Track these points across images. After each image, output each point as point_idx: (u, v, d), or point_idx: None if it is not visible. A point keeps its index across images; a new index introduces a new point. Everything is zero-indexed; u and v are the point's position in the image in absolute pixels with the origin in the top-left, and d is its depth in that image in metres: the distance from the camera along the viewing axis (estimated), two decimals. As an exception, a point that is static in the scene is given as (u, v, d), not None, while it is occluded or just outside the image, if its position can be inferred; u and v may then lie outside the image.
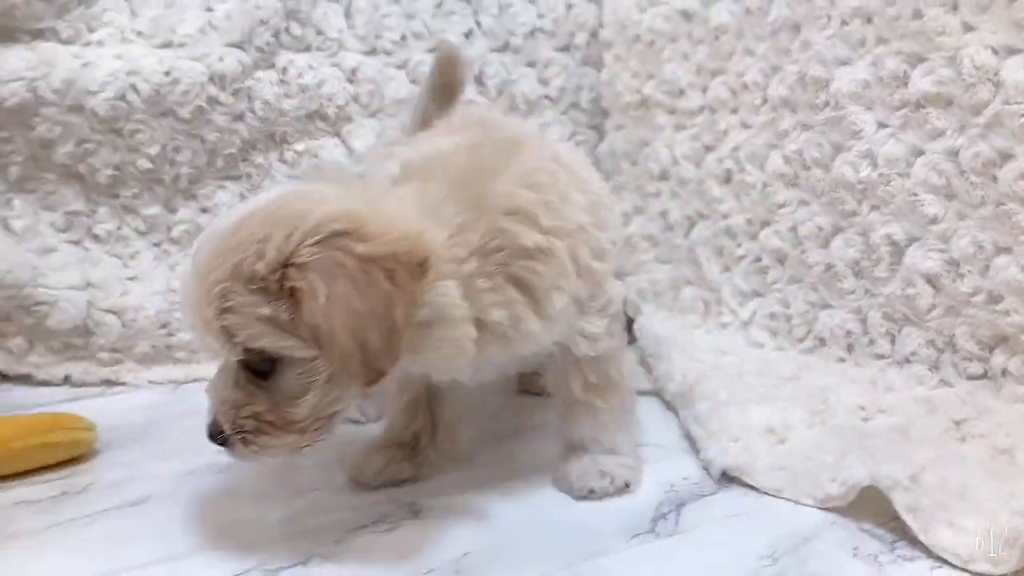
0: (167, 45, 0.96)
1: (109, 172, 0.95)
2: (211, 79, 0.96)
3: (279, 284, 0.56)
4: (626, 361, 0.75)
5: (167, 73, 0.94)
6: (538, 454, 0.76)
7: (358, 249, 0.56)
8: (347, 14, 1.05)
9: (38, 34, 0.92)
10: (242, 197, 1.01)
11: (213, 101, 0.96)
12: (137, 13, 0.95)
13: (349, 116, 1.05)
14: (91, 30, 0.94)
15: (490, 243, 0.62)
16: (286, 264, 0.56)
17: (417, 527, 0.64)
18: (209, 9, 0.97)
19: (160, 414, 0.86)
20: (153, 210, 0.98)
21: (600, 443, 0.71)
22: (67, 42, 0.93)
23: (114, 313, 0.94)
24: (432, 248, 0.59)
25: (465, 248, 0.61)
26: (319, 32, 1.03)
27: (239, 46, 0.98)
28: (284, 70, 1.01)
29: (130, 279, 0.97)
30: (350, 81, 1.05)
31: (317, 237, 0.56)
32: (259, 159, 1.02)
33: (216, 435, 0.61)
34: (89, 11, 0.94)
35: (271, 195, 0.61)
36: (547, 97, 1.14)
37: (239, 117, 0.99)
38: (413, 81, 1.06)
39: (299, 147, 1.03)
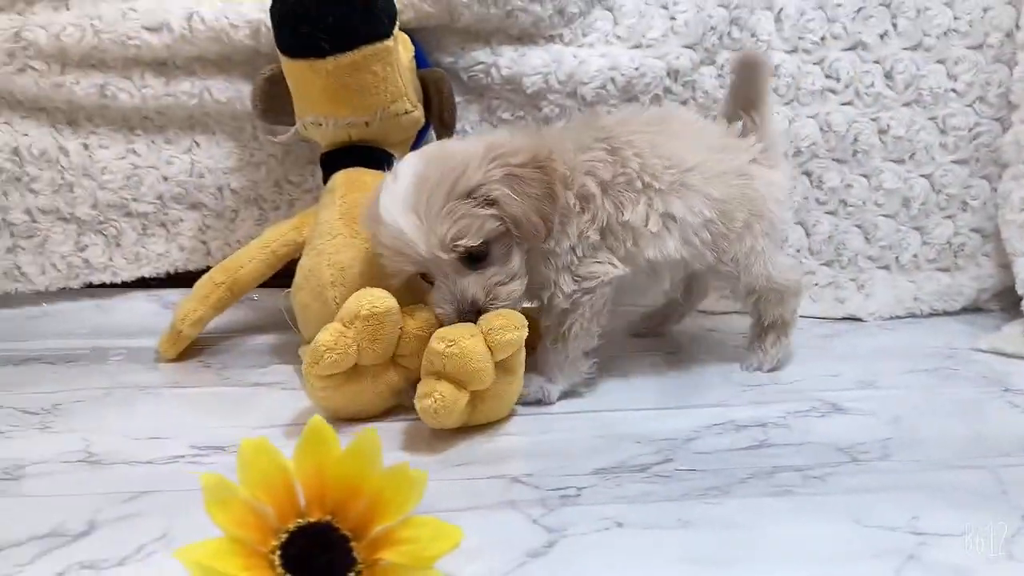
0: (638, 46, 1.25)
1: (584, 141, 1.29)
2: (668, 73, 1.24)
3: (483, 195, 0.84)
4: None
5: (637, 68, 1.23)
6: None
7: (516, 160, 0.86)
8: (777, 19, 1.27)
9: (550, 39, 1.26)
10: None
11: (667, 90, 1.25)
12: (618, 22, 1.25)
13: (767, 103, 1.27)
14: (584, 35, 1.26)
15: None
16: (482, 183, 0.84)
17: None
18: (672, 18, 1.24)
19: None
20: (609, 171, 1.31)
21: None
22: (568, 44, 1.27)
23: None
24: (555, 156, 0.89)
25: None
26: (753, 35, 1.26)
27: (691, 47, 1.24)
28: (722, 66, 1.26)
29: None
30: (772, 75, 1.27)
31: (492, 160, 0.85)
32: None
33: (468, 310, 0.85)
34: (585, 21, 1.26)
35: (432, 149, 0.91)
36: (953, 91, 1.25)
37: (684, 103, 1.26)
38: (827, 76, 1.26)
39: (724, 128, 1.29)
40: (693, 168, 0.95)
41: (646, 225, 0.92)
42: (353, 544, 0.56)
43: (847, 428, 0.83)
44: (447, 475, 0.73)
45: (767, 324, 1.05)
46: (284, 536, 0.55)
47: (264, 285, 1.14)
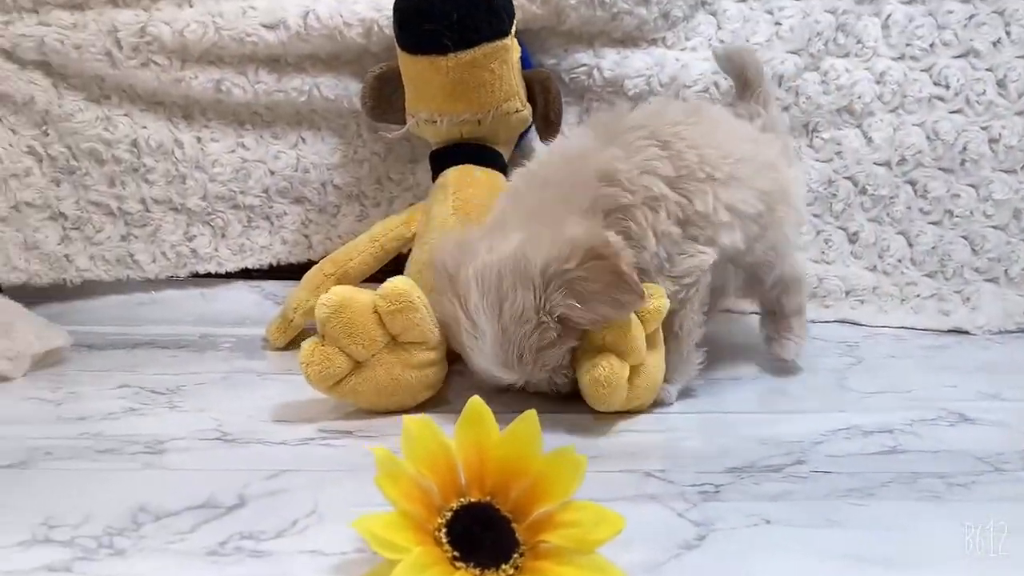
0: (742, 51, 1.26)
1: (683, 145, 1.29)
2: (773, 78, 1.24)
3: (555, 319, 0.80)
4: None
5: (740, 73, 1.24)
6: None
7: (571, 265, 0.78)
8: (884, 26, 1.25)
9: (653, 42, 1.27)
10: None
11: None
12: (722, 26, 1.25)
13: (872, 111, 1.26)
14: (687, 39, 1.26)
15: None
16: (552, 310, 0.79)
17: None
18: (777, 23, 1.24)
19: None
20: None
21: None
22: (671, 47, 1.28)
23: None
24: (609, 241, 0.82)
25: None
26: (858, 41, 1.25)
27: (796, 52, 1.24)
28: (826, 72, 1.25)
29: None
30: (878, 82, 1.25)
31: (549, 283, 0.79)
32: (792, 143, 1.28)
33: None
34: (688, 25, 1.26)
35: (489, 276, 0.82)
36: (1057, 93, 1.23)
37: (786, 108, 1.25)
38: (936, 83, 1.24)
39: (825, 135, 1.27)
40: (742, 160, 0.93)
41: (716, 215, 0.90)
42: (515, 525, 0.56)
43: (980, 438, 0.81)
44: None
45: (788, 312, 1.05)
46: (448, 514, 0.56)
47: (371, 279, 1.16)
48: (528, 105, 1.13)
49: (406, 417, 0.58)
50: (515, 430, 0.58)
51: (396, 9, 1.04)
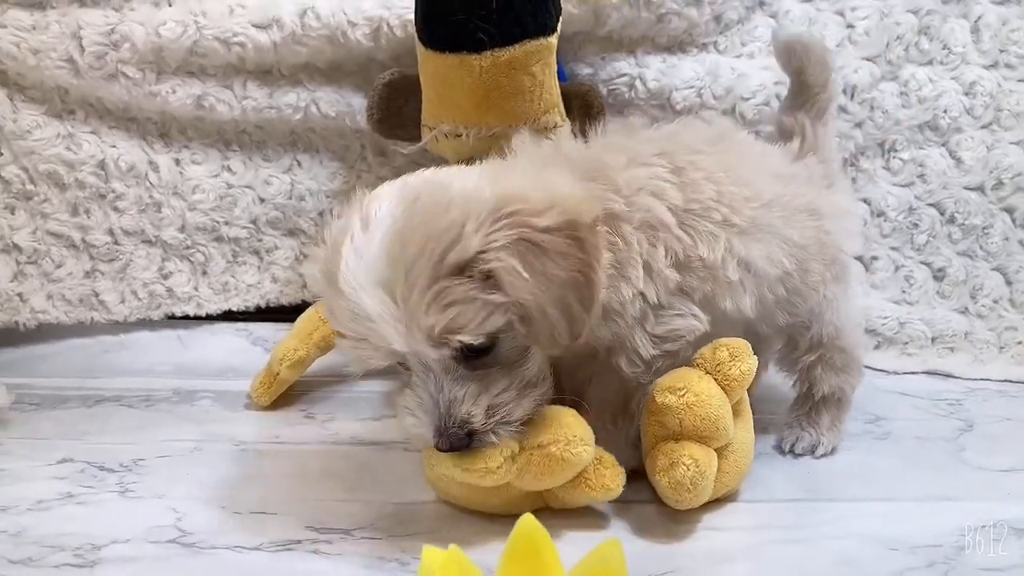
0: (806, 58, 1.09)
1: (739, 166, 1.12)
2: (844, 90, 1.06)
3: (480, 270, 0.58)
4: None
5: (806, 83, 1.07)
6: None
7: (539, 223, 0.58)
8: (974, 29, 1.09)
9: (703, 47, 1.10)
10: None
11: (841, 109, 1.06)
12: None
13: (960, 127, 1.08)
14: (743, 44, 1.10)
15: None
16: (481, 251, 0.58)
17: None
18: (850, 26, 1.07)
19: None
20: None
21: None
22: (723, 52, 1.11)
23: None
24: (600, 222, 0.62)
25: None
26: (944, 46, 1.08)
27: (872, 60, 1.07)
28: (906, 82, 1.08)
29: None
30: (967, 94, 1.08)
31: (502, 218, 0.58)
32: (866, 164, 1.11)
33: (453, 432, 0.60)
34: (744, 28, 1.10)
35: (422, 185, 0.62)
36: None
37: (859, 124, 1.08)
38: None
39: (905, 156, 1.10)
40: (771, 203, 0.73)
41: (724, 269, 0.69)
42: None
43: None
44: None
45: (820, 398, 0.82)
46: None
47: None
48: (568, 121, 0.96)
49: (425, 549, 0.39)
50: (591, 567, 0.39)
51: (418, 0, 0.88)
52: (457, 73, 0.85)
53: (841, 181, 0.92)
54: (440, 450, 0.61)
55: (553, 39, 0.86)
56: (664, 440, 0.66)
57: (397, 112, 0.98)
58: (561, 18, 0.96)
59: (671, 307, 0.69)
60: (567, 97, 0.98)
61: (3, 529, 0.63)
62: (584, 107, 0.98)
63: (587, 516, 0.67)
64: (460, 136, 0.89)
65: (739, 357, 0.67)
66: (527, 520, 0.41)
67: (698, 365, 0.69)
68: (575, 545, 0.59)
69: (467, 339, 0.59)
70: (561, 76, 1.00)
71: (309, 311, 0.98)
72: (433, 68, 0.88)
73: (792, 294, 0.76)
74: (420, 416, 0.62)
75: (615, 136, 0.75)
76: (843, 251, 0.83)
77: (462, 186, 0.61)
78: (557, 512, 0.66)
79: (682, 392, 0.65)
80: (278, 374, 0.94)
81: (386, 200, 0.61)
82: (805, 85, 0.88)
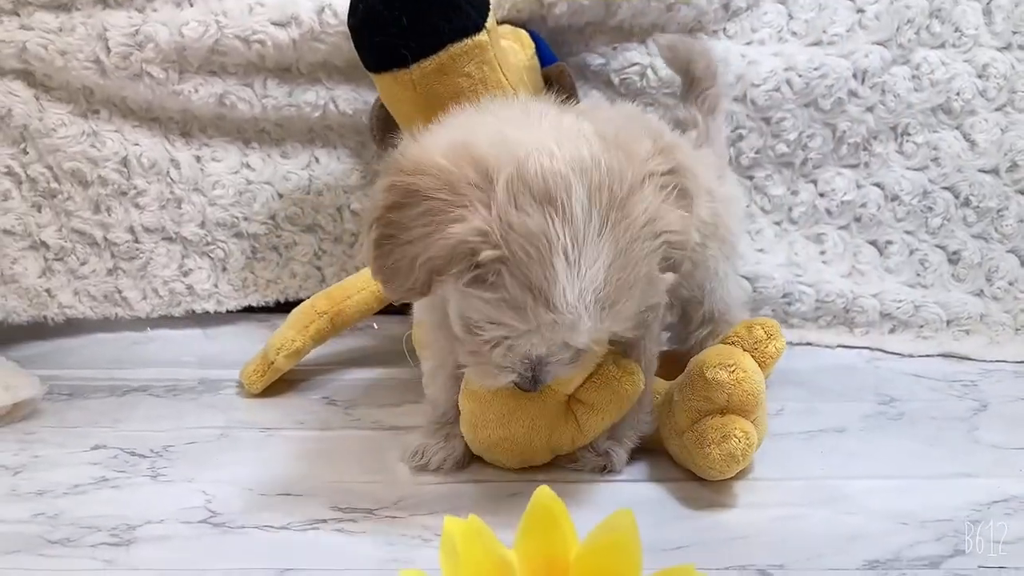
0: (818, 43, 1.08)
1: (751, 155, 1.11)
2: (854, 74, 1.07)
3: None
4: None
5: (816, 68, 1.06)
6: None
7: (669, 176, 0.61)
8: (986, 11, 1.08)
9: (714, 34, 1.10)
10: (857, 185, 1.11)
11: (851, 94, 1.07)
12: (794, 15, 1.09)
13: (973, 110, 1.08)
14: (753, 30, 1.10)
15: None
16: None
17: None
18: (860, 11, 1.07)
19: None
20: (779, 191, 1.13)
21: None
22: (733, 39, 1.11)
23: (747, 279, 1.10)
24: None
25: None
26: (956, 29, 1.08)
27: (883, 44, 1.07)
28: (918, 66, 1.08)
29: (758, 251, 1.13)
30: (980, 76, 1.08)
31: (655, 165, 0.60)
32: (879, 148, 1.11)
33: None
34: (753, 14, 1.11)
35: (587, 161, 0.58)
36: None
37: (870, 109, 1.08)
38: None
39: (919, 139, 1.10)
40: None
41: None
42: None
43: None
44: (667, 562, 0.56)
45: None
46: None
47: (382, 312, 1.01)
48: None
49: (446, 519, 0.41)
50: (603, 536, 0.41)
51: (349, 28, 0.89)
52: (396, 89, 0.88)
53: (729, 175, 0.99)
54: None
55: (481, 37, 0.86)
56: (708, 415, 0.68)
57: (393, 127, 0.98)
58: (562, 11, 0.98)
59: None
60: (547, 80, 1.01)
61: (41, 511, 0.65)
62: (559, 88, 0.98)
63: (601, 490, 0.69)
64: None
65: (774, 336, 0.72)
66: (544, 491, 0.42)
67: (734, 343, 0.73)
68: (589, 517, 0.61)
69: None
70: (549, 59, 1.03)
71: (306, 304, 1.00)
72: (380, 88, 0.92)
73: (695, 266, 0.82)
74: (514, 364, 0.61)
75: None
76: (732, 232, 0.90)
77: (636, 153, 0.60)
78: (571, 484, 0.69)
79: (732, 368, 0.68)
80: (273, 362, 0.96)
81: (575, 184, 0.56)
82: (695, 80, 0.96)
